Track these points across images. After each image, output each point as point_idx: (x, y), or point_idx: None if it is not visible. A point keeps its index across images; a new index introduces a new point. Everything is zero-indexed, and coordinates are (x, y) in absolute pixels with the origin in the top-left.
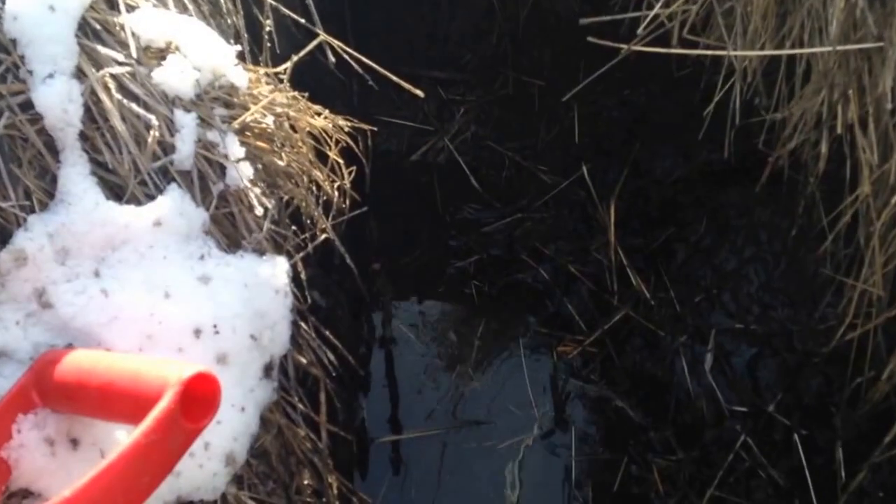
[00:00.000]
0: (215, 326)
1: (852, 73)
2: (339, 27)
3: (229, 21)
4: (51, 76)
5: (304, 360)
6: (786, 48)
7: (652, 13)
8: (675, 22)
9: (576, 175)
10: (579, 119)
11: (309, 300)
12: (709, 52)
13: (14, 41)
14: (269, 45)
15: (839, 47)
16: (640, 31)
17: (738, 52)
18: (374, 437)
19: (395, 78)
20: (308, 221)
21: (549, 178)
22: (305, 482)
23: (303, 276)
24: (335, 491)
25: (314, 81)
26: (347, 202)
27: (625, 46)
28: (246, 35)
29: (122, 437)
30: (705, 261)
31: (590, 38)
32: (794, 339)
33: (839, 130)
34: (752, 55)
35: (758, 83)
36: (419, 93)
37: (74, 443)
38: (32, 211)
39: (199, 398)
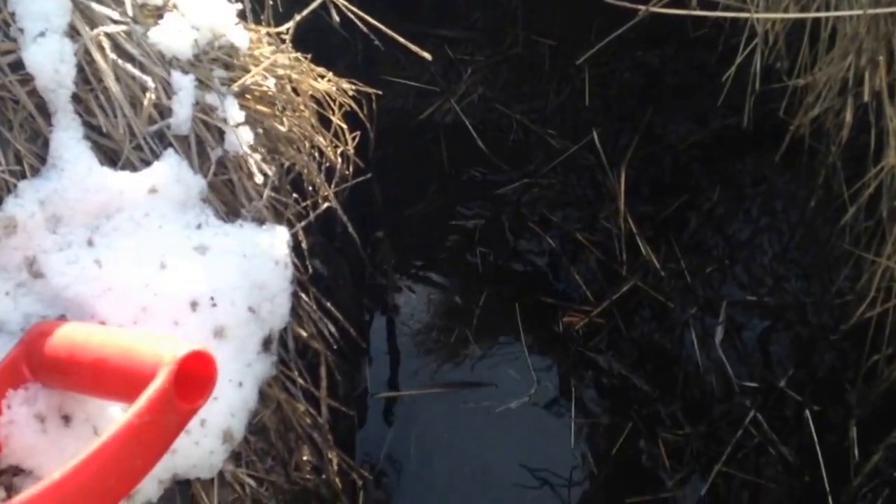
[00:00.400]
0: (212, 299)
1: (882, 39)
2: None
3: None
4: (42, 34)
5: (304, 333)
6: (811, 11)
7: None
8: None
9: (586, 140)
10: (590, 81)
11: (310, 269)
12: (730, 15)
13: None
14: (270, 2)
15: (870, 11)
16: None
17: (761, 15)
18: (373, 392)
19: (401, 39)
20: (310, 188)
21: (558, 142)
22: (305, 458)
23: (304, 245)
24: (335, 467)
25: (317, 41)
26: (351, 168)
27: (642, 8)
28: None
29: (115, 414)
30: (718, 230)
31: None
32: (808, 313)
33: (865, 98)
34: (776, 18)
35: (780, 47)
36: (427, 55)
37: (66, 419)
38: (23, 176)
39: (194, 376)
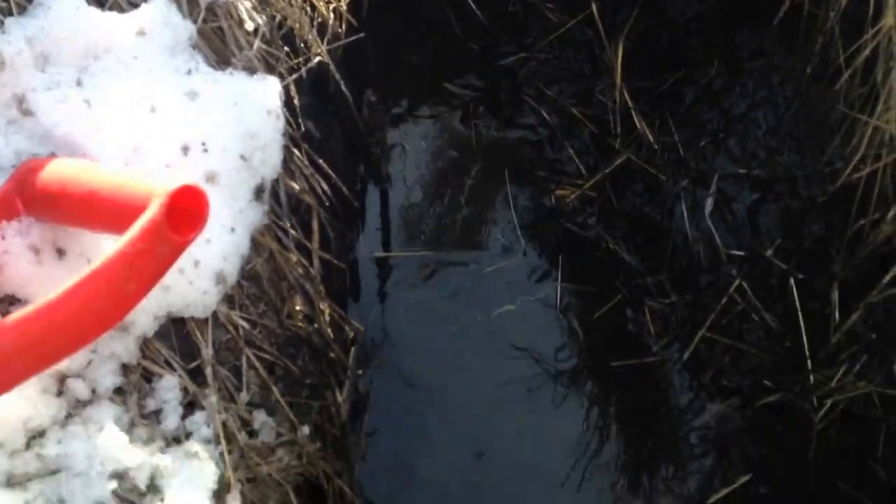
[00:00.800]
0: (204, 144)
1: None
2: None
3: None
4: None
5: (296, 187)
6: None
7: None
8: None
9: (584, 14)
10: None
11: (302, 128)
12: None
13: None
14: None
15: None
16: None
17: None
18: (367, 247)
19: None
20: (302, 45)
21: (556, 16)
22: (297, 308)
23: (296, 101)
24: (327, 318)
25: None
26: (344, 26)
27: None
28: None
29: (107, 247)
30: (714, 104)
31: None
32: (798, 185)
33: None
34: None
35: None
36: None
37: (60, 252)
38: (10, 14)
39: (186, 212)
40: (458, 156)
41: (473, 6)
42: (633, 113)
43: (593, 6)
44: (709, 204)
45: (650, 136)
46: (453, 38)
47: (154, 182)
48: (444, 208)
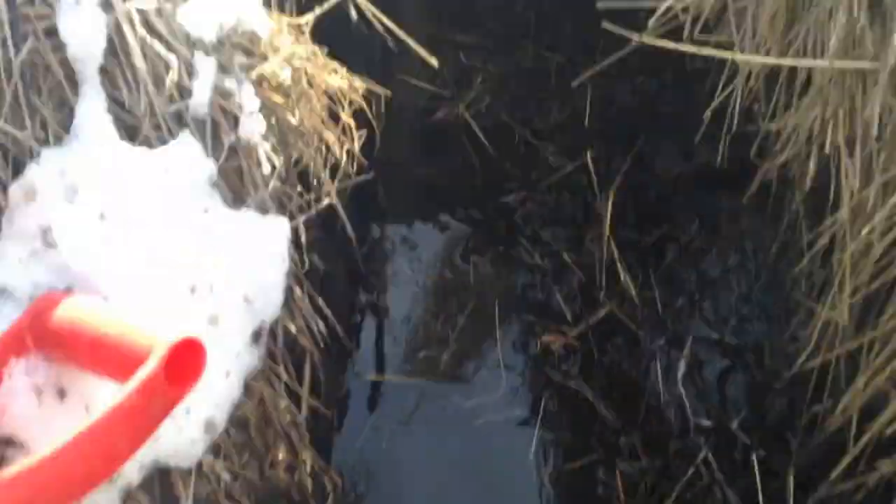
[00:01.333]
0: (211, 285)
1: (846, 92)
2: None
3: None
4: (78, 2)
5: (293, 328)
6: (790, 56)
7: (665, 5)
8: (688, 16)
9: (581, 160)
10: (592, 102)
11: (307, 263)
12: (713, 53)
13: None
14: None
15: (836, 63)
16: (651, 22)
17: (741, 57)
18: (358, 370)
19: (412, 43)
20: (315, 182)
21: (556, 159)
22: (280, 457)
23: (303, 239)
24: (308, 468)
25: (340, 30)
26: (355, 166)
27: (636, 36)
28: None
29: (107, 393)
30: (692, 264)
31: (605, 25)
32: (765, 356)
33: (827, 150)
34: (755, 62)
35: (759, 89)
36: (434, 62)
37: (61, 394)
38: (46, 143)
39: (184, 363)
40: (453, 291)
41: (484, 140)
42: (619, 265)
43: (587, 156)
44: (681, 367)
45: (632, 290)
46: (458, 175)
47: (157, 331)
48: (435, 341)
